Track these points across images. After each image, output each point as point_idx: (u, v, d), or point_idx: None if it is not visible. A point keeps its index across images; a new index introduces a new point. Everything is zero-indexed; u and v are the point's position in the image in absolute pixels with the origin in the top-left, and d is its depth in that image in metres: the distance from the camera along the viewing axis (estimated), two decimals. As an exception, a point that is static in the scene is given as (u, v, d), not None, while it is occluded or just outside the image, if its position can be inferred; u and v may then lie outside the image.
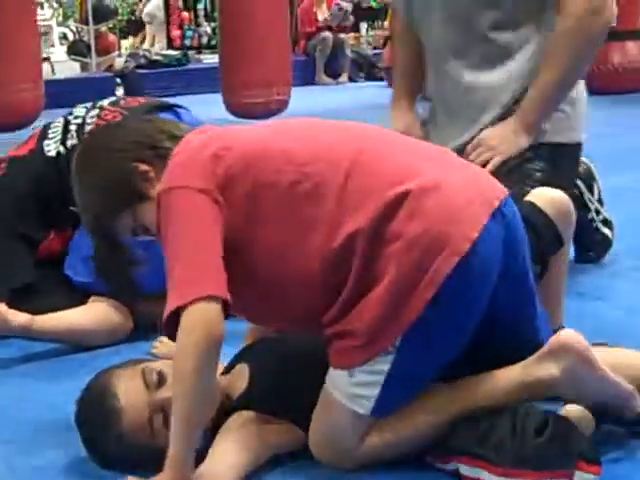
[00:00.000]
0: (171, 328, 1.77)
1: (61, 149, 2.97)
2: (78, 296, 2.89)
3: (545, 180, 2.66)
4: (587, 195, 3.27)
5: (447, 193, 1.81)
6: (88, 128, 2.94)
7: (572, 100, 2.81)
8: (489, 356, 1.92)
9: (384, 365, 1.81)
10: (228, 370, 2.18)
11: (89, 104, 3.11)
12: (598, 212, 3.33)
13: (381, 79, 12.08)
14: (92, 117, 2.99)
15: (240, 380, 2.10)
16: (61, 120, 3.07)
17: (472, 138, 2.77)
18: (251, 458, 1.93)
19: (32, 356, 2.81)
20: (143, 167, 1.95)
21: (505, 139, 2.71)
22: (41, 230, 2.99)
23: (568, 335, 1.86)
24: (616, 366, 1.92)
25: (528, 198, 2.24)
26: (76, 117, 3.03)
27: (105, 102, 3.08)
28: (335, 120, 2.04)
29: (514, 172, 2.68)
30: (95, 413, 1.99)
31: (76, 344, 2.81)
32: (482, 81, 2.77)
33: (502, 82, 2.76)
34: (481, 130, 2.76)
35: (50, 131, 3.03)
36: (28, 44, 7.26)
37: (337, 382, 1.87)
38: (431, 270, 1.75)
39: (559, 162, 2.77)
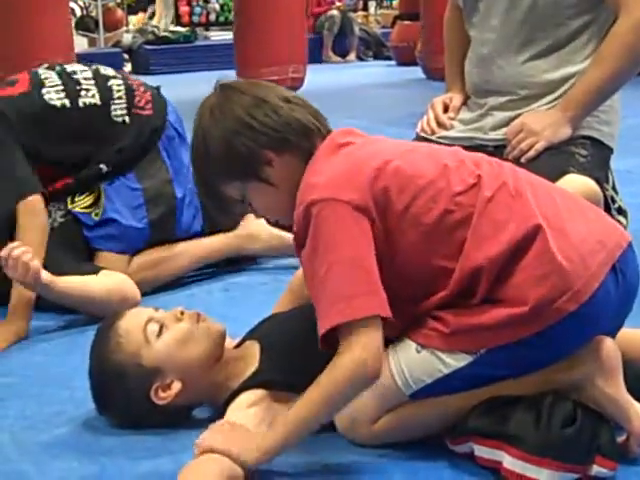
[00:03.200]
0: (327, 340, 1.79)
1: (66, 102, 3.03)
2: (87, 267, 2.94)
3: (589, 167, 2.67)
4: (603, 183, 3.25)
5: (573, 242, 1.81)
6: (118, 100, 3.09)
7: (614, 109, 2.82)
8: None
9: (458, 362, 1.83)
10: (238, 346, 2.19)
11: (83, 67, 3.20)
12: (613, 200, 3.30)
13: (389, 58, 12.04)
14: (119, 87, 3.11)
15: (249, 357, 2.11)
16: (51, 73, 3.10)
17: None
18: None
19: (40, 332, 2.80)
20: (270, 155, 1.91)
21: (548, 126, 2.70)
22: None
23: (606, 343, 1.86)
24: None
25: (559, 184, 2.23)
26: (86, 79, 3.10)
27: (112, 78, 3.17)
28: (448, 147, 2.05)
29: (560, 153, 2.67)
30: (97, 344, 2.12)
31: (86, 311, 2.82)
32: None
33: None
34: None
35: (46, 80, 3.06)
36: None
37: (399, 350, 1.87)
38: (544, 310, 1.77)
39: (598, 158, 2.77)
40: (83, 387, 2.14)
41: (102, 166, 3.08)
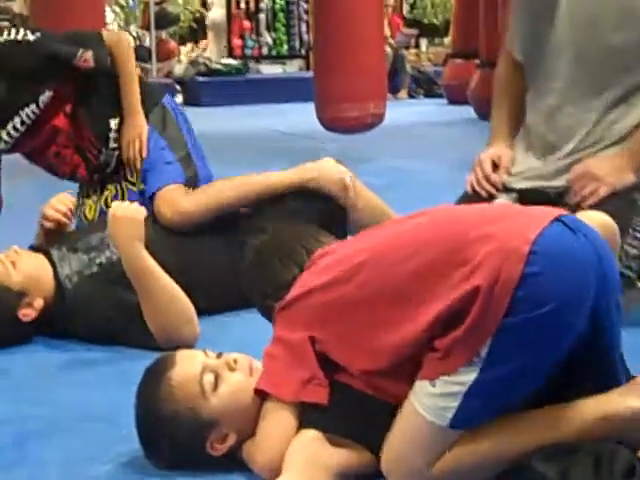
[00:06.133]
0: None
1: None
2: None
3: None
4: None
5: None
6: None
7: None
8: (570, 385, 1.87)
9: (468, 376, 1.79)
10: None
11: None
12: None
13: (441, 96, 12.03)
14: None
15: None
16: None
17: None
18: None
19: (84, 363, 2.76)
20: None
21: (611, 172, 2.66)
22: None
23: None
24: None
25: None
26: None
27: None
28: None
29: (621, 200, 2.62)
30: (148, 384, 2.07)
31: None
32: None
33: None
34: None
35: None
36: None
37: (418, 392, 1.85)
38: (499, 279, 1.75)
39: None
40: (129, 424, 2.10)
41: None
